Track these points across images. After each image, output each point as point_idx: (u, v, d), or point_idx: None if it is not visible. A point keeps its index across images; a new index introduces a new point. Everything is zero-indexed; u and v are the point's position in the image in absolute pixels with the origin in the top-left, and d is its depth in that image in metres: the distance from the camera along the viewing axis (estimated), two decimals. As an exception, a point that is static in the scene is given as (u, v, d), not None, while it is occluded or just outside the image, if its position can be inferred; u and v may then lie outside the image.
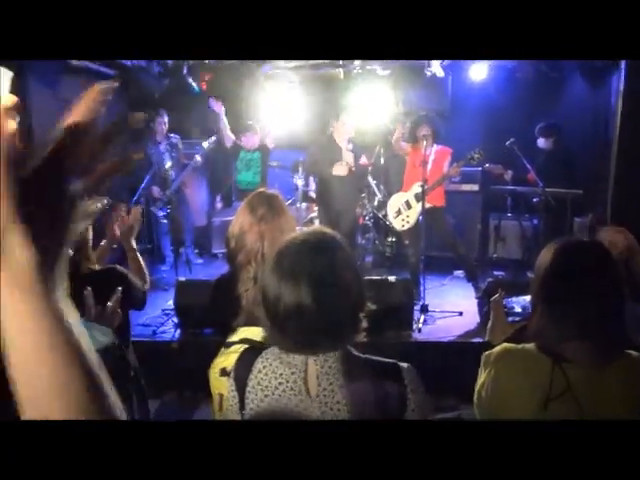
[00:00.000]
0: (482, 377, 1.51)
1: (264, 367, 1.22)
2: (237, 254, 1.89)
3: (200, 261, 5.75)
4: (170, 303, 4.24)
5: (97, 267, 2.27)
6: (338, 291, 1.14)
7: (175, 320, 4.09)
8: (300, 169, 5.73)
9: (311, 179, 6.35)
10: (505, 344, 1.51)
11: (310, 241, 1.20)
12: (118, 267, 2.26)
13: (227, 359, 1.78)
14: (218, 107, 5.48)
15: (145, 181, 5.45)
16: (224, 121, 5.51)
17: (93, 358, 0.53)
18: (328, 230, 1.28)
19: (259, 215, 1.86)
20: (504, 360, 1.46)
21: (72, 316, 0.52)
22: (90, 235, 2.21)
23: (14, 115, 0.84)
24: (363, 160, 5.07)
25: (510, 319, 1.76)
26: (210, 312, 1.98)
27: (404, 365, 1.23)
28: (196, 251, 6.79)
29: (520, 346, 1.46)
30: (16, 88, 0.84)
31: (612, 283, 1.38)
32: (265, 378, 1.20)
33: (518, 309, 1.78)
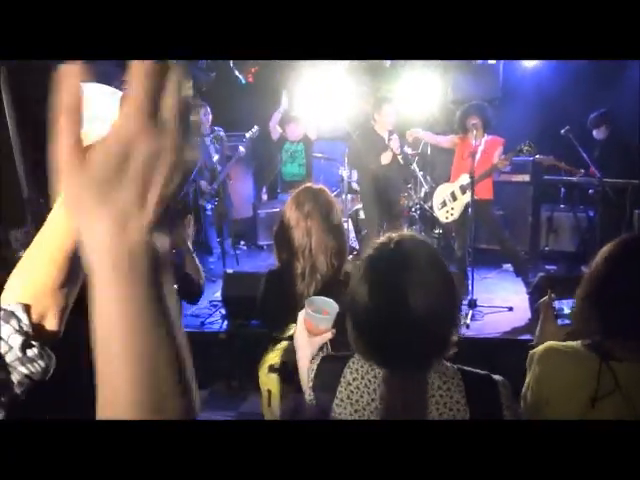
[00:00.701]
0: (527, 377, 1.49)
1: (354, 379, 1.14)
2: (285, 250, 1.89)
3: (239, 252, 5.79)
4: (218, 294, 4.31)
5: None
6: (439, 303, 1.06)
7: (223, 311, 4.15)
8: (345, 160, 5.70)
9: (354, 171, 6.31)
10: (550, 342, 1.48)
11: (408, 248, 1.11)
12: (174, 259, 2.31)
13: (276, 356, 1.78)
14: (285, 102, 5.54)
15: (192, 175, 5.53)
16: (277, 116, 5.54)
17: (187, 353, 0.52)
18: (419, 236, 1.21)
19: (306, 211, 1.85)
20: (549, 358, 1.44)
21: (175, 309, 0.50)
22: None
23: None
24: (407, 150, 4.97)
25: (559, 321, 1.70)
26: (259, 307, 1.98)
27: (499, 379, 1.15)
28: (242, 242, 6.88)
29: (566, 343, 1.44)
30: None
31: None
32: (356, 392, 1.13)
33: (567, 311, 1.70)
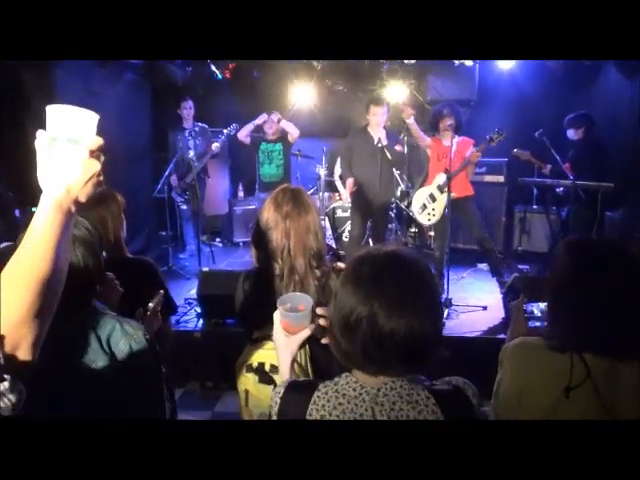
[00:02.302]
0: (500, 373, 1.52)
1: (328, 401, 1.10)
2: (263, 251, 1.87)
3: (214, 249, 5.73)
4: (193, 292, 4.26)
5: (130, 255, 2.30)
6: (428, 315, 1.04)
7: (198, 310, 4.11)
8: (323, 158, 5.70)
9: (337, 167, 6.32)
10: (521, 338, 1.52)
11: (397, 260, 1.07)
12: (150, 261, 2.28)
13: (253, 356, 1.77)
14: (275, 117, 5.50)
15: (169, 168, 5.47)
16: (249, 126, 5.51)
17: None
18: (408, 249, 1.16)
19: (284, 212, 1.84)
20: (521, 351, 1.47)
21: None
22: (124, 226, 2.24)
23: (99, 156, 0.89)
24: (399, 147, 4.99)
25: (530, 323, 1.73)
26: (237, 308, 1.96)
27: (461, 384, 1.13)
28: (217, 239, 6.83)
29: (537, 338, 1.47)
30: (98, 127, 0.89)
31: (630, 279, 1.36)
32: (325, 414, 1.09)
33: (538, 313, 1.74)
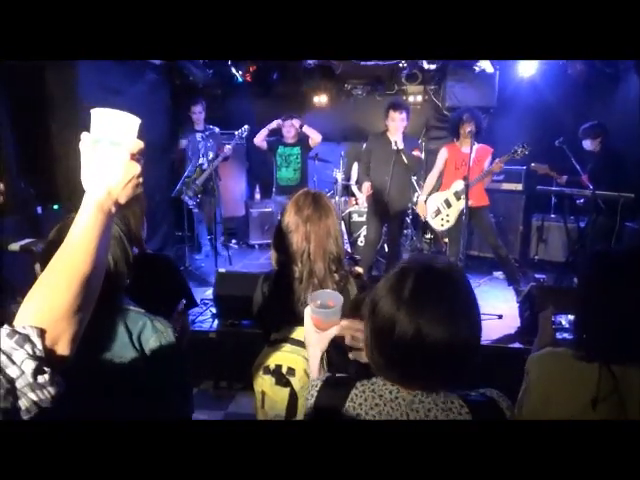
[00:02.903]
0: (524, 383, 1.51)
1: (365, 400, 1.11)
2: (283, 254, 1.88)
3: (225, 253, 5.76)
4: (209, 293, 4.29)
5: (150, 252, 2.32)
6: (465, 327, 1.03)
7: (213, 310, 4.14)
8: (341, 162, 5.70)
9: (353, 172, 6.32)
10: (548, 348, 1.52)
11: (437, 268, 1.06)
12: (170, 257, 2.29)
13: (271, 358, 1.78)
14: (297, 122, 5.51)
15: (187, 171, 5.52)
16: (264, 131, 5.55)
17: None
18: (444, 259, 1.14)
19: (305, 216, 1.85)
20: (548, 361, 1.48)
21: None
22: (145, 225, 2.26)
23: (140, 159, 0.93)
24: (416, 152, 4.97)
25: (558, 335, 1.73)
26: (255, 309, 1.98)
27: (494, 396, 1.13)
28: (233, 241, 6.87)
29: (564, 348, 1.48)
30: (140, 131, 0.92)
31: None
32: (361, 412, 1.10)
33: (565, 324, 1.73)
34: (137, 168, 0.90)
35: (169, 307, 1.97)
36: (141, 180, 0.92)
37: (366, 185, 4.68)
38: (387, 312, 1.04)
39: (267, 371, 1.76)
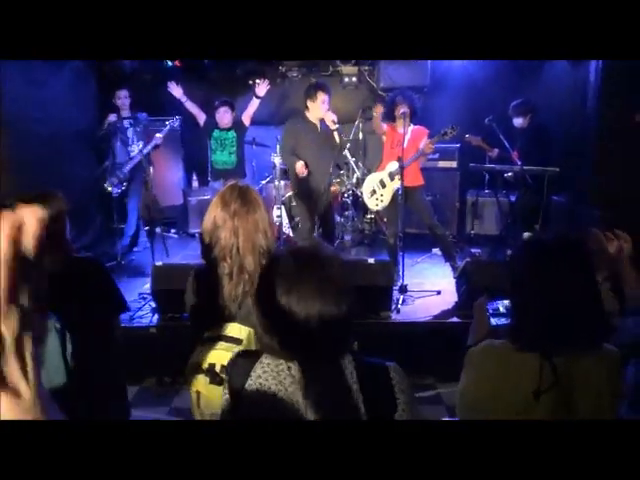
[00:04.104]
0: (464, 377, 1.52)
1: (264, 372, 1.19)
2: (212, 249, 1.85)
3: (168, 240, 5.60)
4: (147, 287, 4.18)
5: (75, 255, 2.22)
6: (341, 302, 1.13)
7: (153, 305, 4.04)
8: (277, 146, 5.63)
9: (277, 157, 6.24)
10: (488, 341, 1.52)
11: (313, 253, 1.20)
12: (96, 260, 2.20)
13: (204, 357, 1.76)
14: (178, 92, 5.29)
15: (110, 158, 5.32)
16: (189, 102, 5.35)
17: None
18: (321, 242, 1.29)
19: (232, 210, 1.82)
20: (488, 357, 1.47)
21: None
22: (67, 224, 2.15)
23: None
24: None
25: (495, 320, 1.76)
26: (186, 307, 1.94)
27: (391, 364, 1.23)
28: (172, 230, 6.70)
29: (502, 342, 1.47)
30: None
31: (585, 277, 1.41)
32: (265, 384, 1.18)
33: (502, 310, 1.77)
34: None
35: (98, 312, 1.91)
36: None
37: (300, 164, 4.53)
38: (267, 292, 1.14)
39: (201, 370, 1.74)
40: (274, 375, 1.17)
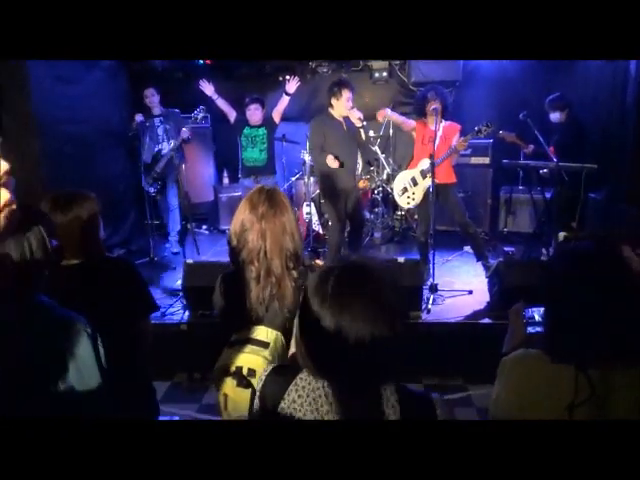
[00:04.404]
0: (498, 387, 1.48)
1: (299, 397, 1.15)
2: (240, 252, 1.86)
3: (199, 238, 5.65)
4: (179, 283, 4.24)
5: (108, 255, 2.23)
6: (395, 324, 1.07)
7: (184, 301, 4.10)
8: (307, 143, 5.61)
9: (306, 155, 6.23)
10: (522, 351, 1.47)
11: (365, 270, 1.11)
12: (128, 261, 2.22)
13: (231, 360, 1.77)
14: (210, 90, 5.30)
15: (144, 158, 5.40)
16: (220, 100, 5.37)
17: None
18: (371, 258, 1.20)
19: (260, 213, 1.82)
20: (522, 367, 1.43)
21: None
22: (101, 225, 2.16)
23: (7, 182, 0.87)
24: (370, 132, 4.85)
25: (530, 329, 1.70)
26: (215, 309, 1.96)
27: (436, 398, 1.17)
28: (204, 227, 6.79)
29: (537, 352, 1.43)
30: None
31: (626, 289, 1.34)
32: (300, 410, 1.14)
33: (538, 318, 1.72)
34: (5, 195, 0.85)
35: (128, 313, 1.93)
36: (14, 206, 0.87)
37: (330, 157, 4.45)
38: (314, 311, 1.07)
39: (228, 373, 1.75)
40: (310, 401, 1.13)
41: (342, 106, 4.45)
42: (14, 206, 0.91)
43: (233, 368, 1.75)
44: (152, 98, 5.49)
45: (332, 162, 4.41)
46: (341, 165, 4.48)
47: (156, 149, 5.46)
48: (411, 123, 4.69)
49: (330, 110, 4.56)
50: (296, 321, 1.17)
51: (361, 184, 4.51)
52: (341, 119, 4.53)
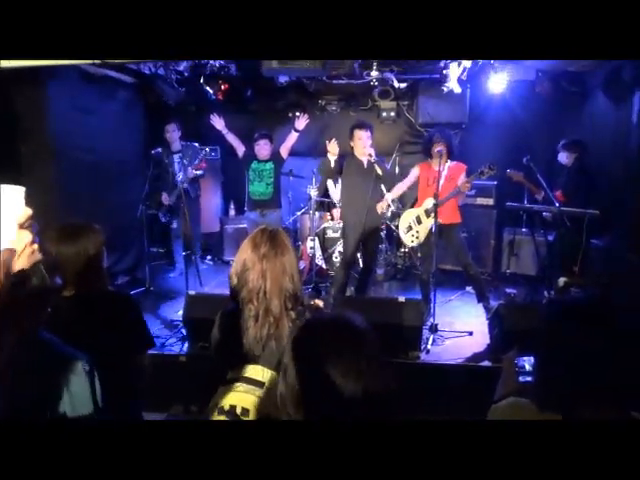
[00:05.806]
0: None
1: None
2: (240, 291, 1.89)
3: (204, 267, 5.73)
4: (180, 313, 4.26)
5: (109, 289, 2.27)
6: (388, 378, 1.08)
7: (183, 332, 4.11)
8: (313, 179, 5.70)
9: (331, 189, 6.33)
10: (511, 399, 1.49)
11: (352, 326, 1.12)
12: (127, 295, 2.25)
13: (225, 398, 1.78)
14: (220, 124, 5.45)
15: (146, 188, 5.50)
16: (230, 135, 5.52)
17: None
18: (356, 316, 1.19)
19: (262, 253, 1.86)
20: (510, 416, 1.44)
21: None
22: (104, 257, 2.20)
23: (30, 225, 0.96)
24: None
25: (521, 378, 1.72)
26: (212, 347, 1.97)
27: None
28: (208, 257, 6.84)
29: (527, 401, 1.44)
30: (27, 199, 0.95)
31: (612, 342, 1.36)
32: None
33: (529, 368, 1.73)
34: (28, 236, 0.94)
35: (125, 349, 1.95)
36: (36, 247, 0.95)
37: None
38: (311, 364, 1.07)
39: (222, 412, 1.76)
40: None
41: (357, 147, 4.65)
42: (35, 246, 0.98)
43: (227, 407, 1.76)
44: (173, 134, 5.65)
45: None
46: (351, 203, 4.66)
47: (172, 182, 5.59)
48: (410, 178, 4.80)
49: (353, 151, 4.75)
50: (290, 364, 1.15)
51: (379, 208, 4.60)
52: (362, 158, 4.65)
